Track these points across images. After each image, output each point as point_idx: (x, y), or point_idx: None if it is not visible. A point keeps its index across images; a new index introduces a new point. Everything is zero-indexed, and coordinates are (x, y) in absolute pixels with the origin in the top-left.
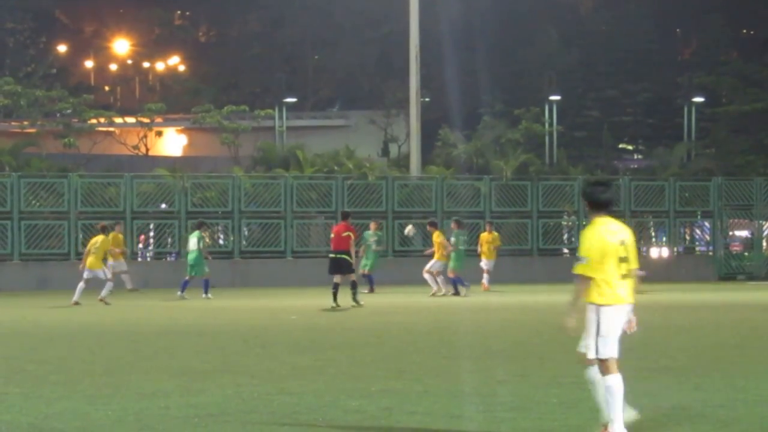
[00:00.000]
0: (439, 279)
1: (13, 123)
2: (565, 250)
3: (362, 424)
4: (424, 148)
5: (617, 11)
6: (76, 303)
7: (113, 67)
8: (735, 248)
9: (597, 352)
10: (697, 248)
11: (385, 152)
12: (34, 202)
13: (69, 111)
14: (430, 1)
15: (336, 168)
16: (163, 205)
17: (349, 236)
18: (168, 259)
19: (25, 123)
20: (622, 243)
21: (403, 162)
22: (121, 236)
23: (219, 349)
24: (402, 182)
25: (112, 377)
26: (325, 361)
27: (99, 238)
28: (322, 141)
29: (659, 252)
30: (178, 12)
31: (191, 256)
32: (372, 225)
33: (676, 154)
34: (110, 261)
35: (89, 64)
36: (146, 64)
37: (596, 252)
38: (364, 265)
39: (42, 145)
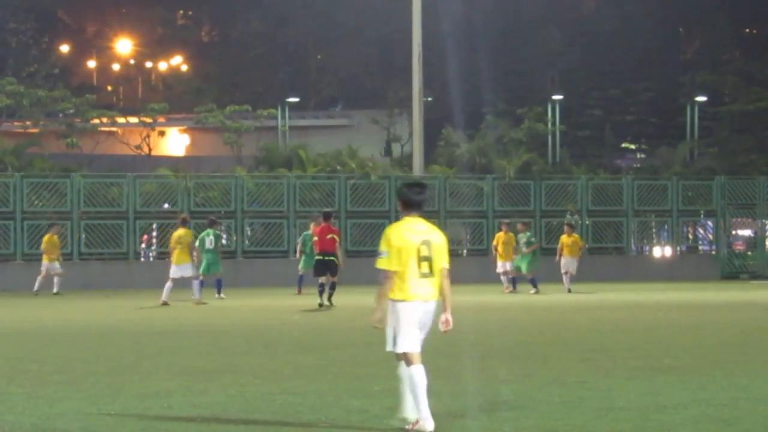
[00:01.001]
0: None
1: (15, 123)
2: None
3: (365, 424)
4: (427, 148)
5: (620, 10)
6: (164, 303)
7: (116, 66)
8: (738, 247)
9: (395, 345)
10: (700, 247)
11: (388, 152)
12: (36, 202)
13: (71, 111)
14: (433, 1)
15: (339, 168)
16: (166, 205)
17: (334, 238)
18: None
19: (28, 123)
20: (425, 243)
21: (405, 161)
22: (56, 238)
23: (222, 348)
24: (404, 181)
25: (115, 377)
26: (327, 360)
27: (181, 232)
28: (324, 140)
29: (662, 251)
30: (181, 12)
31: (208, 256)
32: (519, 226)
33: (678, 153)
34: (45, 262)
35: (92, 64)
36: (149, 64)
37: (394, 248)
38: (516, 267)
39: (45, 145)
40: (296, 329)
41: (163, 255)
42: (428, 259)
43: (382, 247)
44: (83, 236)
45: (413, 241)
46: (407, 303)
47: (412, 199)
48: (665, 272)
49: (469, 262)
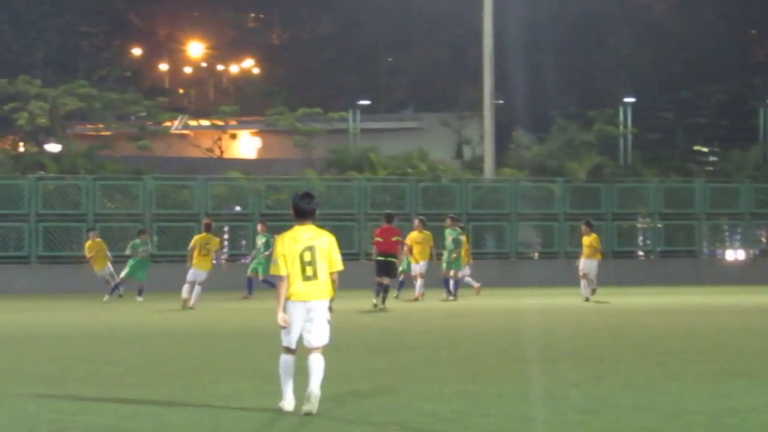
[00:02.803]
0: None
1: (87, 126)
2: (640, 253)
3: (435, 427)
4: (498, 150)
5: (691, 12)
6: (190, 306)
7: (187, 69)
8: None
9: (281, 338)
10: None
11: (459, 154)
12: (108, 204)
13: (143, 114)
14: (503, 3)
15: (409, 170)
16: (237, 208)
17: (399, 240)
18: (242, 261)
19: (100, 126)
20: (309, 249)
21: (476, 164)
22: (99, 242)
23: None
24: (475, 184)
25: (187, 379)
26: (398, 363)
27: (203, 237)
28: (395, 143)
29: (734, 254)
30: (252, 15)
31: (260, 258)
32: (447, 221)
33: (751, 156)
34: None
35: (163, 67)
36: (220, 67)
37: (281, 255)
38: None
39: (116, 147)
40: (367, 331)
41: (235, 257)
42: (311, 264)
43: (273, 255)
44: (155, 239)
45: (296, 248)
46: (291, 302)
47: (301, 208)
48: (737, 276)
49: (540, 265)
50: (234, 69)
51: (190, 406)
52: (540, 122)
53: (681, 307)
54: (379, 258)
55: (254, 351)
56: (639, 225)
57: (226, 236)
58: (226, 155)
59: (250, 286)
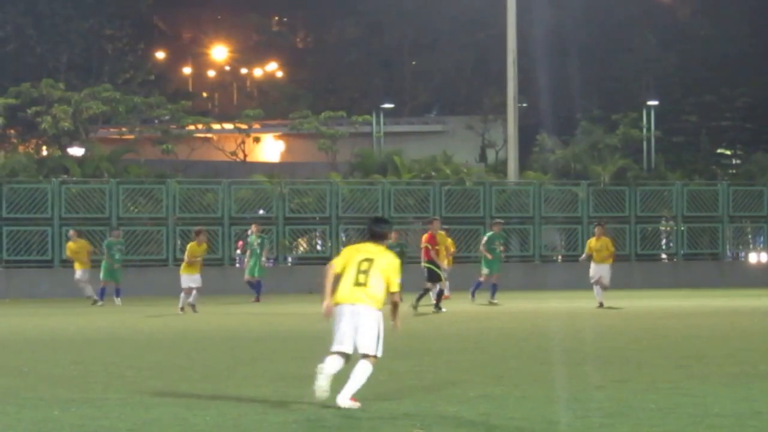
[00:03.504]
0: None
1: (111, 129)
2: (664, 256)
3: (459, 430)
4: (522, 154)
5: (715, 16)
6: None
7: (211, 73)
8: None
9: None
10: None
11: (483, 158)
12: (132, 208)
13: (167, 117)
14: (527, 6)
15: (433, 174)
16: (261, 211)
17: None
18: (266, 265)
19: (124, 129)
20: (368, 260)
21: (500, 167)
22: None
23: (316, 354)
24: (499, 188)
25: (210, 383)
26: (422, 366)
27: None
28: (419, 146)
29: (758, 257)
30: (276, 18)
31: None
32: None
33: None
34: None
35: (187, 70)
36: (244, 70)
37: (340, 255)
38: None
39: (140, 151)
40: (391, 335)
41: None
42: (366, 273)
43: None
44: (179, 242)
45: (357, 257)
46: (337, 307)
47: (373, 231)
48: (761, 278)
49: (564, 269)
50: (258, 72)
51: (213, 409)
52: (564, 125)
53: (705, 309)
54: (428, 265)
55: (278, 355)
56: (663, 228)
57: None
58: (249, 159)
59: (257, 288)
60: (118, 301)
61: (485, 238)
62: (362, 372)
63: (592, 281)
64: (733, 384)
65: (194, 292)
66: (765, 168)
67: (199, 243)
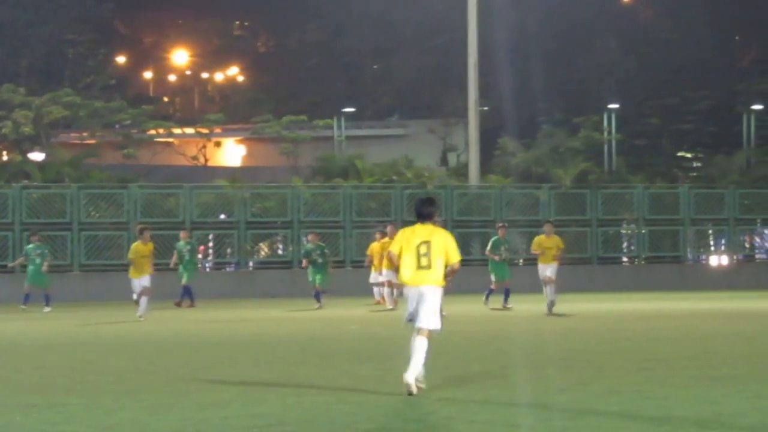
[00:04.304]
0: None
1: (72, 134)
2: (625, 259)
3: None
4: (484, 157)
5: (677, 19)
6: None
7: (172, 77)
8: None
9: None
10: (758, 256)
11: (444, 161)
12: (94, 213)
13: (128, 122)
14: (488, 10)
15: (395, 177)
16: (223, 216)
17: None
18: (227, 269)
19: (85, 134)
20: (425, 243)
21: (462, 171)
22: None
23: (279, 359)
24: (461, 191)
25: (173, 387)
26: (385, 370)
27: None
28: (381, 150)
29: (719, 260)
30: (238, 22)
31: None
32: (311, 236)
33: (735, 162)
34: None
35: (148, 74)
36: (205, 75)
37: (398, 241)
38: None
39: (102, 156)
40: (353, 339)
41: (220, 266)
42: (426, 255)
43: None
44: None
45: (414, 241)
46: (405, 287)
47: (420, 212)
48: (722, 281)
49: (526, 272)
50: (219, 77)
51: (176, 414)
52: (526, 128)
53: (667, 312)
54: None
55: (240, 359)
56: (624, 231)
57: (211, 245)
58: (211, 163)
59: (189, 294)
60: (48, 307)
61: (490, 243)
62: (420, 348)
63: (543, 280)
64: (695, 386)
65: (143, 298)
66: (726, 171)
67: (144, 242)
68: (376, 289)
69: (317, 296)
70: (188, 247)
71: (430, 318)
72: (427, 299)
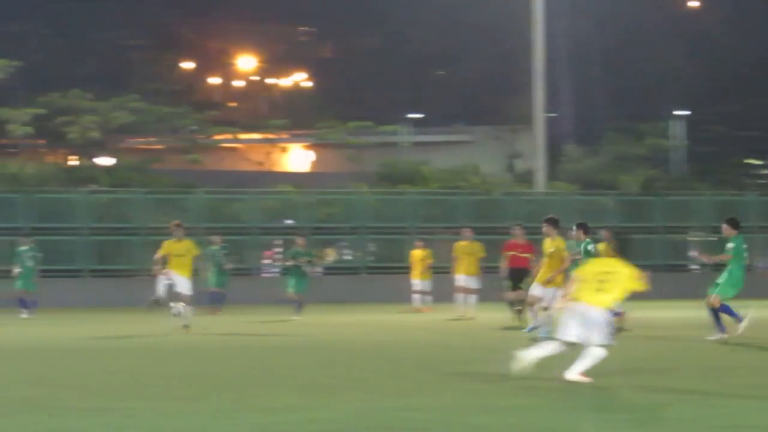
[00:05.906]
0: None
1: (139, 140)
2: (693, 266)
3: None
4: (549, 164)
5: (744, 25)
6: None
7: (238, 83)
8: None
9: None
10: None
11: (510, 168)
12: (159, 218)
13: (194, 127)
14: (555, 16)
15: (461, 184)
16: (288, 221)
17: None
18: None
19: (151, 140)
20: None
21: (527, 177)
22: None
23: (344, 364)
24: (527, 198)
25: (237, 392)
26: (451, 376)
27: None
28: (446, 156)
29: None
30: (302, 28)
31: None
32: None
33: None
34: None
35: (214, 80)
36: (271, 81)
37: (581, 272)
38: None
39: (167, 161)
40: (419, 345)
41: (287, 270)
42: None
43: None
44: None
45: (594, 270)
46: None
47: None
48: None
49: None
50: (285, 82)
51: (241, 418)
52: (592, 135)
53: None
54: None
55: (306, 364)
56: (691, 238)
57: (277, 250)
58: (276, 168)
59: (219, 300)
60: (25, 313)
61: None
62: (594, 354)
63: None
64: (763, 396)
65: (184, 307)
66: None
67: (178, 239)
68: (416, 297)
69: (297, 305)
70: (224, 252)
71: (603, 335)
72: (594, 319)
